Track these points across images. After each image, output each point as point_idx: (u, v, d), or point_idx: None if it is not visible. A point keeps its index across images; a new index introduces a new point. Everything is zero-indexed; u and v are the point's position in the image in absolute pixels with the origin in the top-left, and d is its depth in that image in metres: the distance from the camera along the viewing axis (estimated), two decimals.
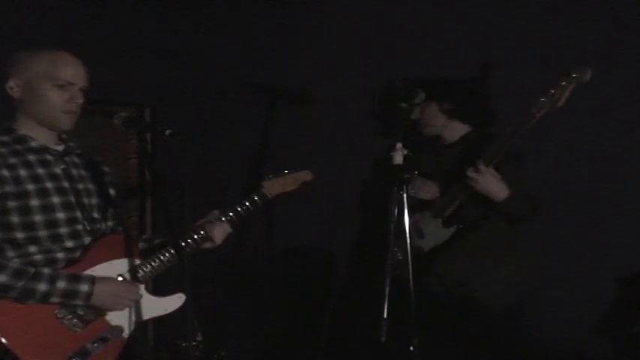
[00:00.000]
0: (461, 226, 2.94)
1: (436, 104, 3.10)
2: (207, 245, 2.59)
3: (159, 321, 2.57)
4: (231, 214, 2.62)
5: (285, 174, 2.78)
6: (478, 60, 3.43)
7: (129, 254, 2.47)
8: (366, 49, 3.83)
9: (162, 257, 2.48)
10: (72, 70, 2.41)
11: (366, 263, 3.40)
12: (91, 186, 2.51)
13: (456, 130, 3.12)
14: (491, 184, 2.81)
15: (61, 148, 2.47)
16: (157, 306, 2.49)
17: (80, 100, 2.41)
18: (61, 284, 2.26)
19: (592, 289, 3.16)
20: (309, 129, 4.00)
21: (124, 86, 4.11)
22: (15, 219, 2.29)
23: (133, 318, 2.43)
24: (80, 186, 2.46)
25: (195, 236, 2.54)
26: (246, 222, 2.75)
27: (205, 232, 2.54)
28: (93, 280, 2.32)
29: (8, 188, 2.28)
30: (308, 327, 3.81)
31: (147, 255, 2.51)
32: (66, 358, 2.27)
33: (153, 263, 2.48)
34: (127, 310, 2.42)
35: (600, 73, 2.73)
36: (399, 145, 2.59)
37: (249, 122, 4.16)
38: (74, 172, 2.47)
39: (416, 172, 2.61)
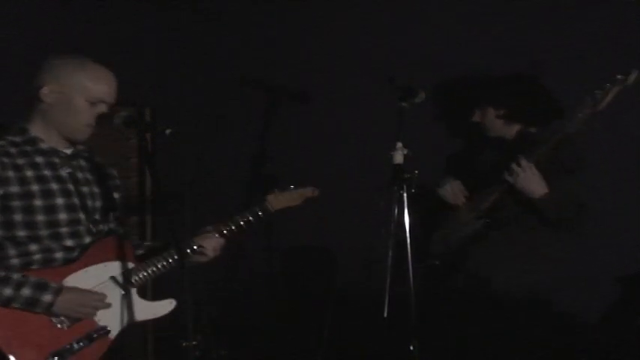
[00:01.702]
0: (489, 221, 2.95)
1: (492, 109, 3.10)
2: (201, 259, 2.61)
3: (159, 321, 2.58)
4: (231, 226, 2.64)
5: (292, 189, 2.79)
6: (479, 61, 3.43)
7: (124, 257, 2.50)
8: (366, 49, 3.83)
9: (157, 263, 2.52)
10: (108, 89, 2.46)
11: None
12: (96, 189, 2.54)
13: (515, 130, 3.11)
14: (531, 180, 2.83)
15: (69, 151, 2.51)
16: (146, 310, 2.53)
17: (105, 110, 2.45)
18: (25, 292, 2.28)
19: (592, 289, 3.16)
20: (309, 129, 3.99)
21: (124, 86, 4.11)
22: (18, 217, 2.32)
23: (122, 320, 2.47)
24: (85, 189, 2.50)
25: (188, 250, 2.55)
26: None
27: (199, 246, 2.57)
28: (59, 290, 2.33)
29: (13, 189, 2.32)
30: (308, 327, 3.80)
31: (143, 259, 2.53)
32: (51, 354, 2.31)
33: (148, 268, 2.52)
34: (116, 311, 2.44)
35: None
36: (399, 144, 2.60)
37: (249, 122, 4.15)
38: (80, 175, 2.51)
39: (416, 172, 2.60)
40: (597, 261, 3.15)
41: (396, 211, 2.60)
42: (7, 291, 2.26)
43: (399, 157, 2.60)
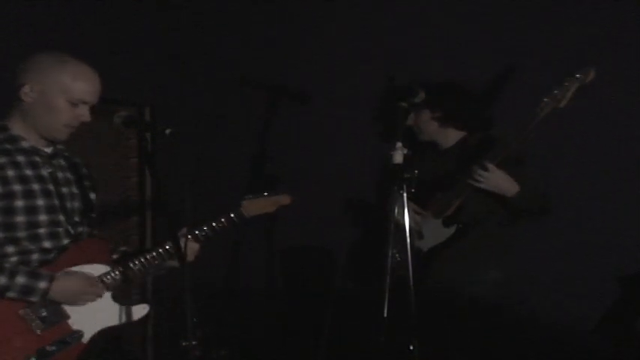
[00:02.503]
0: (461, 226, 2.99)
1: (429, 111, 3.15)
2: (175, 264, 2.57)
3: (159, 321, 2.58)
4: (205, 229, 2.62)
5: (265, 196, 2.78)
6: (479, 61, 3.43)
7: (101, 260, 2.50)
8: (366, 49, 3.82)
9: (133, 267, 2.51)
10: (89, 89, 2.41)
11: (367, 263, 3.40)
12: (75, 190, 2.53)
13: (450, 136, 3.18)
14: (502, 180, 2.90)
15: (50, 150, 2.49)
16: (120, 314, 2.52)
17: (87, 119, 2.42)
18: (20, 280, 2.28)
19: (592, 289, 3.16)
20: (309, 129, 3.99)
21: (123, 86, 4.11)
22: None
23: (95, 324, 2.46)
24: (65, 190, 2.48)
25: (160, 250, 2.54)
26: (246, 222, 2.75)
27: (168, 253, 2.54)
28: (52, 277, 2.34)
29: None
30: (308, 327, 3.80)
31: (119, 263, 2.53)
32: (25, 356, 2.30)
33: (123, 272, 2.50)
34: (90, 315, 2.44)
35: (604, 72, 2.74)
36: (399, 144, 2.59)
37: (249, 122, 4.15)
38: (60, 175, 2.49)
39: (416, 172, 2.61)
40: (597, 261, 3.15)
41: (396, 211, 2.60)
42: (2, 280, 2.26)
43: (399, 157, 2.59)
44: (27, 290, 2.29)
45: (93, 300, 2.43)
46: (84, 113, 2.41)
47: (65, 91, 2.37)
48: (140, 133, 2.54)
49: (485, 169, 2.89)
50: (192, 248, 2.57)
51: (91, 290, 2.43)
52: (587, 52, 3.17)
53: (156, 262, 2.55)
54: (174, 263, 2.57)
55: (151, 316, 2.62)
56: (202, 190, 3.02)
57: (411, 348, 2.56)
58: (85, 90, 2.40)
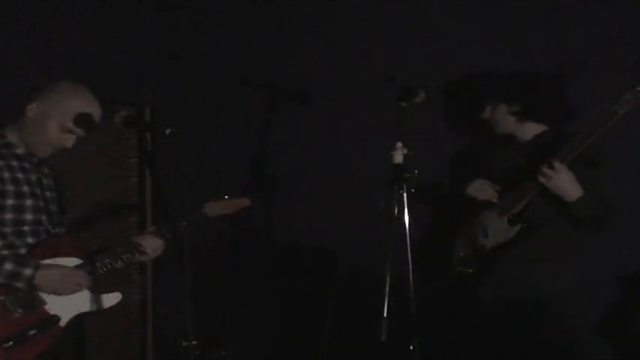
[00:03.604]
0: (525, 225, 2.86)
1: (506, 106, 3.01)
2: (142, 258, 2.82)
3: (158, 321, 2.59)
4: (172, 228, 2.76)
5: (225, 199, 3.01)
6: (479, 61, 3.43)
7: (73, 254, 2.69)
8: (366, 49, 3.82)
9: (105, 260, 2.73)
10: (86, 125, 2.65)
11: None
12: (54, 194, 2.77)
13: (528, 130, 3.02)
14: (566, 182, 2.74)
15: (37, 159, 2.72)
16: (95, 301, 2.72)
17: (68, 146, 2.67)
18: (7, 266, 2.49)
19: (592, 289, 3.16)
20: (309, 129, 3.99)
21: (123, 86, 4.11)
22: None
23: (71, 309, 2.65)
24: (48, 194, 2.73)
25: (129, 248, 2.75)
26: (247, 221, 2.80)
27: (140, 244, 2.76)
28: (37, 265, 2.54)
29: None
30: (308, 327, 3.80)
31: (91, 256, 2.74)
32: (4, 339, 2.47)
33: (97, 263, 2.71)
34: (65, 301, 2.62)
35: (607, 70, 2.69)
36: (399, 144, 2.59)
37: (249, 122, 4.15)
38: (45, 181, 2.73)
39: (416, 172, 2.60)
40: (597, 261, 3.15)
41: (396, 210, 2.59)
42: None
43: (399, 157, 2.59)
44: (13, 275, 2.49)
45: (76, 290, 2.62)
46: (68, 140, 2.66)
47: (59, 117, 2.62)
48: (140, 133, 2.64)
49: (552, 168, 2.73)
50: (157, 244, 2.80)
51: (74, 280, 2.61)
52: (587, 52, 3.17)
53: (126, 256, 2.76)
54: (144, 257, 2.81)
55: (121, 305, 2.82)
56: (202, 190, 3.03)
57: (411, 348, 2.56)
58: (80, 124, 2.64)
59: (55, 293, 2.58)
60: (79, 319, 2.70)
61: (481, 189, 3.01)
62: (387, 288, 2.52)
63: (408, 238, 2.57)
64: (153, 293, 4.36)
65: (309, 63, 4.01)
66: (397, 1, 3.77)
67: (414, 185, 2.61)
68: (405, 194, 2.58)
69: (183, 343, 2.26)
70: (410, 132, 2.65)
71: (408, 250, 2.55)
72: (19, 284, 2.50)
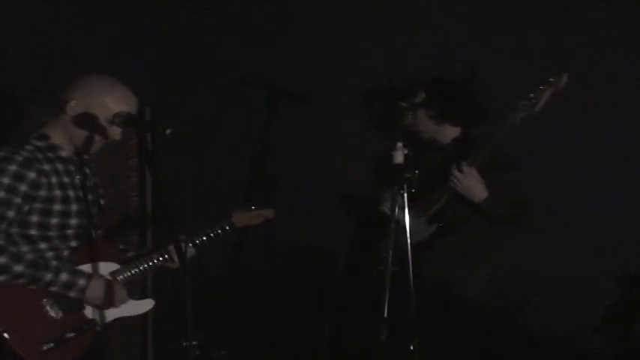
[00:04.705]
0: (441, 225, 2.99)
1: (424, 110, 3.15)
2: (172, 266, 2.82)
3: (158, 321, 2.60)
4: (204, 238, 2.86)
5: (252, 210, 3.03)
6: (479, 61, 3.43)
7: (112, 259, 2.73)
8: (366, 49, 3.83)
9: (140, 265, 2.76)
10: (128, 119, 2.60)
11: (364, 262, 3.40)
12: (94, 197, 2.76)
13: (447, 133, 3.19)
14: (472, 184, 2.90)
15: (80, 160, 2.70)
16: (129, 307, 2.75)
17: (118, 138, 2.64)
18: (63, 276, 2.52)
19: (592, 289, 3.16)
20: (309, 129, 3.99)
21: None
22: (34, 218, 2.52)
23: (108, 315, 2.69)
24: (90, 196, 2.71)
25: (161, 257, 2.77)
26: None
27: (170, 255, 2.77)
28: (90, 276, 2.58)
29: (41, 193, 2.50)
30: (308, 327, 3.80)
31: (129, 263, 2.76)
32: (44, 340, 2.50)
33: (132, 270, 2.74)
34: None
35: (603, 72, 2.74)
36: (399, 144, 2.60)
37: (249, 122, 4.15)
38: (87, 183, 2.72)
39: (416, 172, 2.61)
40: (597, 261, 3.15)
41: (396, 210, 2.60)
42: (48, 276, 2.49)
43: (399, 157, 2.59)
44: (68, 285, 2.53)
45: (117, 307, 2.67)
46: (117, 132, 2.62)
47: (104, 112, 2.56)
48: (140, 133, 2.63)
49: (460, 171, 2.89)
50: (189, 252, 2.78)
51: (117, 297, 2.66)
52: (588, 51, 3.18)
53: (160, 263, 2.77)
54: (171, 264, 2.81)
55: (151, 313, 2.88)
56: (202, 190, 3.03)
57: (412, 348, 2.56)
58: (121, 120, 2.58)
59: (98, 307, 2.63)
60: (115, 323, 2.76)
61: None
62: (387, 288, 2.52)
63: (408, 237, 2.57)
64: (153, 293, 4.36)
65: (309, 63, 4.01)
66: (397, 1, 3.78)
67: (414, 185, 2.62)
68: (405, 194, 2.58)
69: (184, 343, 2.26)
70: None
71: (409, 249, 2.55)
72: (72, 294, 2.55)
